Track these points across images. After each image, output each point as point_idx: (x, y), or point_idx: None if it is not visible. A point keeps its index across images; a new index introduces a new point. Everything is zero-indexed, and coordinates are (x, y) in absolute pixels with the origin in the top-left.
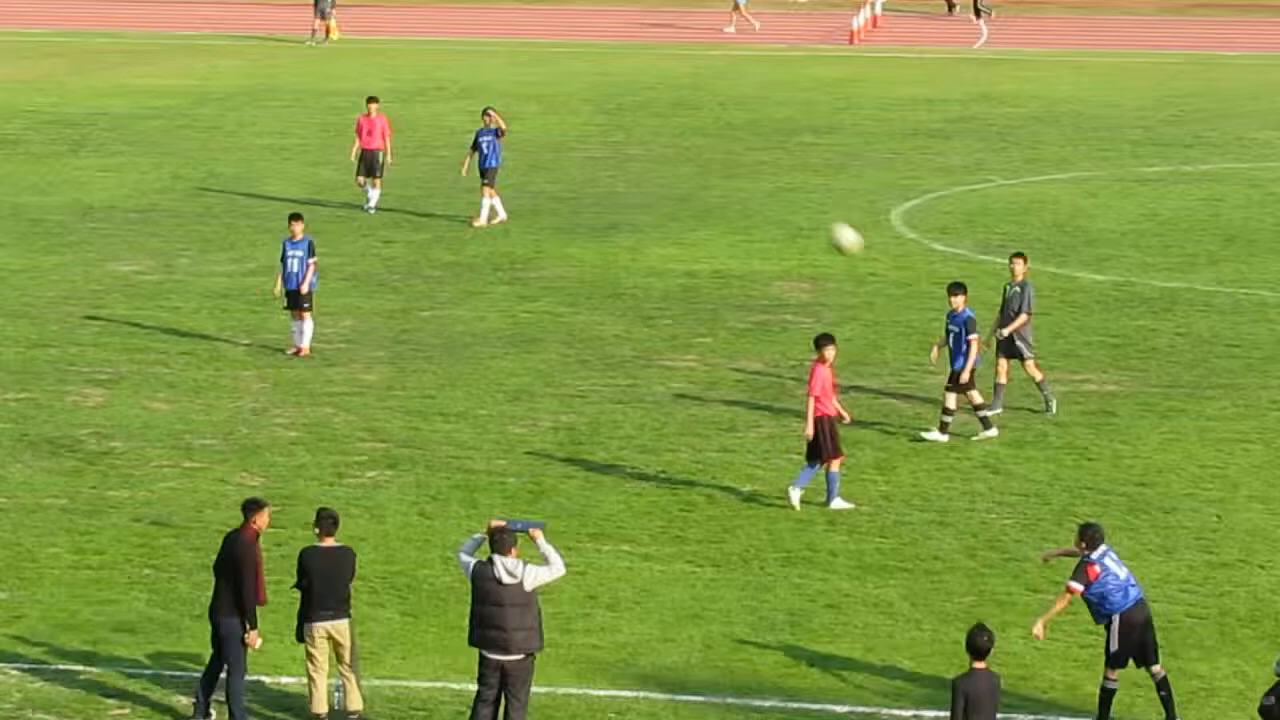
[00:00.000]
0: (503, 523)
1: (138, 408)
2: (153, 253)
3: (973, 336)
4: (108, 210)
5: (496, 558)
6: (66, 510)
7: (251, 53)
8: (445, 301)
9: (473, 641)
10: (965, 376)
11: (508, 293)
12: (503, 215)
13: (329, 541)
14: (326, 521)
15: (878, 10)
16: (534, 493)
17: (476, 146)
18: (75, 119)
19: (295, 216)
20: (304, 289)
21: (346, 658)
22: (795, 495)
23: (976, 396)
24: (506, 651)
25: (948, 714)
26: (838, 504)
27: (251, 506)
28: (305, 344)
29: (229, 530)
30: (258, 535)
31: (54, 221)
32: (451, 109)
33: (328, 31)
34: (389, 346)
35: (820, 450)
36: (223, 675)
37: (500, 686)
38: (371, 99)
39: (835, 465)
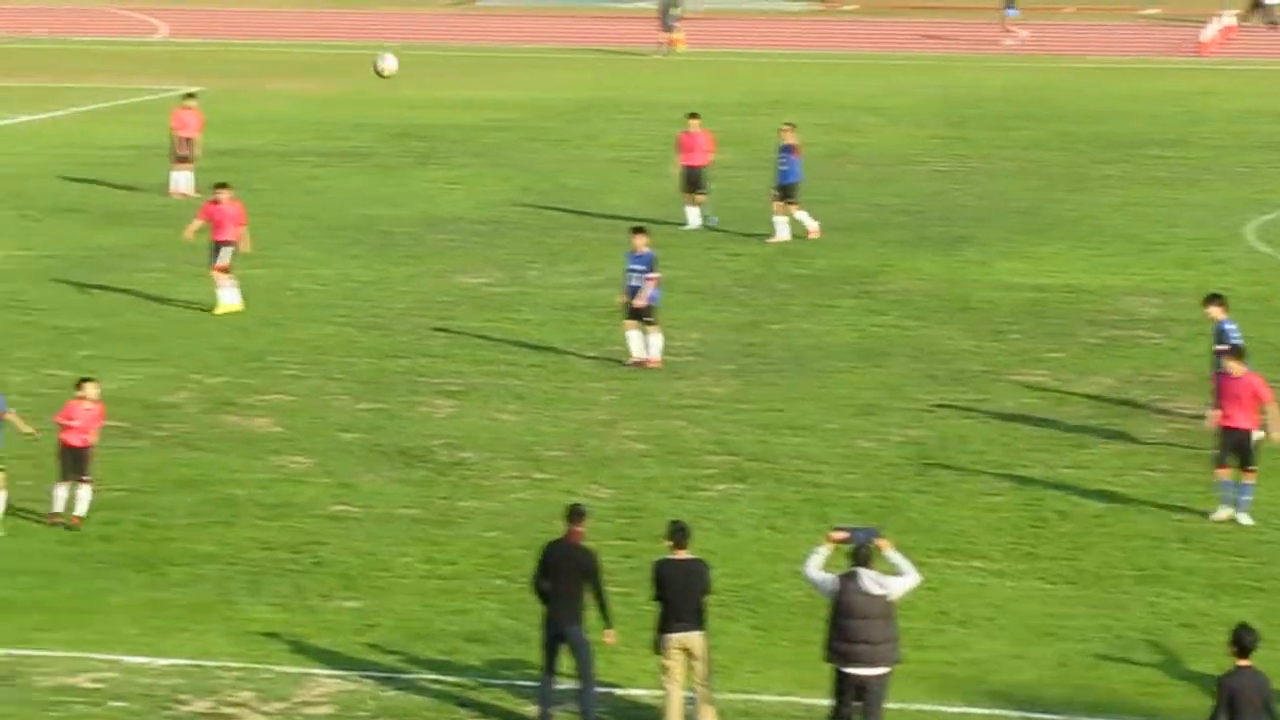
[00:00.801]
0: (844, 533)
1: (487, 419)
2: (501, 264)
3: (1222, 347)
4: (456, 222)
5: (861, 570)
6: (418, 520)
7: (598, 66)
8: (793, 314)
9: (830, 657)
10: None
11: (855, 306)
12: (784, 235)
13: (682, 554)
14: (679, 534)
15: (1230, 21)
16: (884, 507)
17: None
18: (424, 131)
19: (637, 230)
20: (639, 303)
21: (700, 670)
22: (1240, 516)
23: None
24: (871, 665)
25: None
26: (1224, 513)
27: (580, 513)
28: (655, 355)
29: (551, 540)
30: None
31: (404, 233)
32: (797, 122)
33: (673, 44)
34: (737, 359)
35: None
36: (557, 686)
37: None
38: (693, 115)
39: (1223, 474)
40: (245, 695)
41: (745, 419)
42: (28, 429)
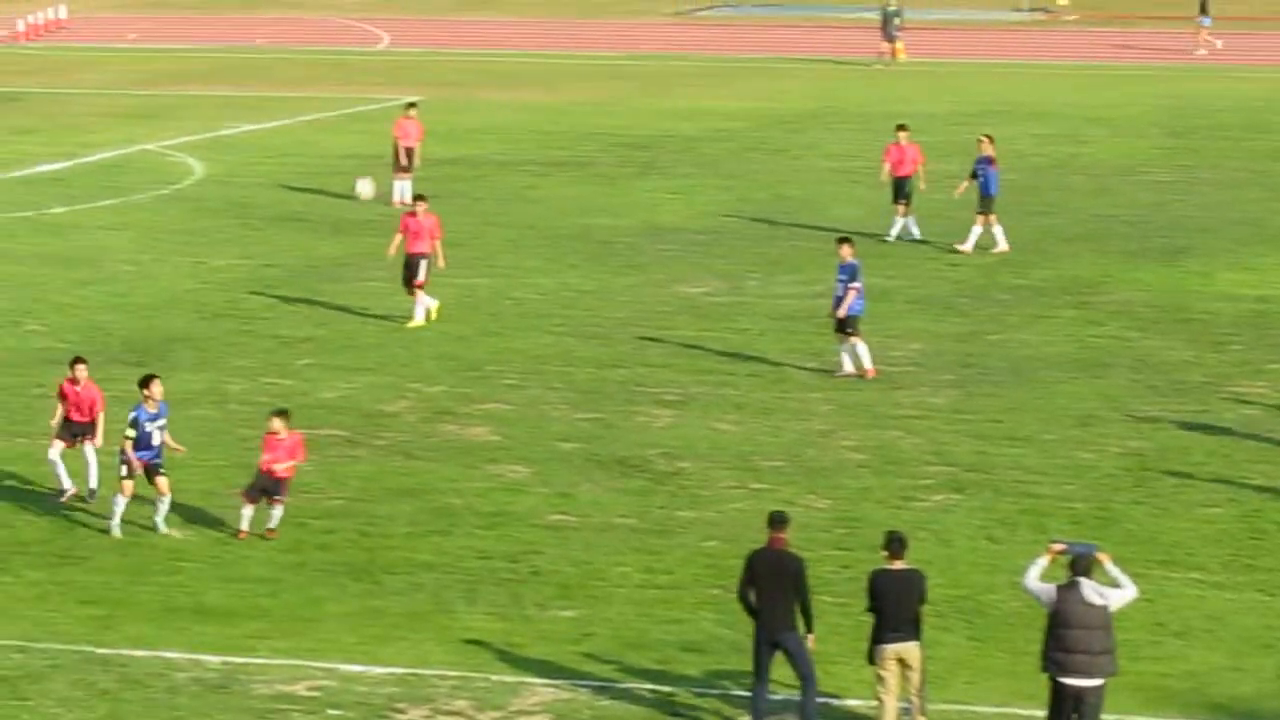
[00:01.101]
0: (1062, 545)
1: (705, 429)
2: (720, 274)
3: None
4: (676, 232)
5: (1083, 580)
6: (635, 530)
7: (819, 75)
8: (1013, 325)
9: (1048, 668)
10: None
11: (1075, 317)
12: (1003, 246)
13: (898, 564)
14: (896, 544)
15: None
16: (1101, 519)
17: (974, 173)
18: (645, 141)
19: (843, 240)
20: (840, 313)
21: (915, 681)
22: None
23: None
24: (1089, 675)
25: None
26: None
27: (783, 519)
28: (868, 365)
29: (756, 549)
30: None
31: (623, 243)
32: (1019, 132)
33: (894, 54)
34: (956, 370)
35: None
36: (771, 696)
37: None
38: (901, 126)
39: None
40: (461, 704)
41: (963, 429)
42: (178, 447)
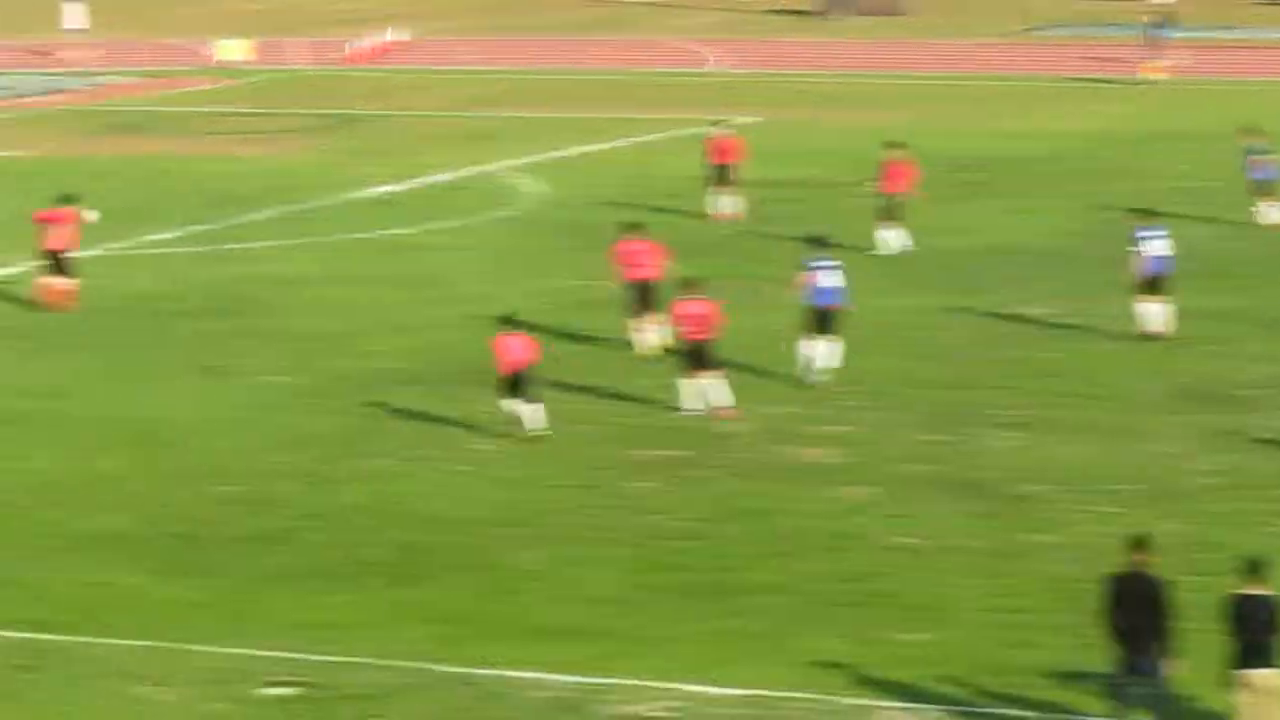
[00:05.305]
0: None
1: (1053, 451)
2: (1064, 295)
3: None
4: (1016, 253)
5: None
6: (983, 553)
7: (1159, 95)
8: None
9: None
10: None
11: None
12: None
13: (1258, 589)
14: (1255, 568)
15: None
16: None
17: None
18: (981, 162)
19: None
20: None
21: (1271, 708)
22: None
23: None
24: None
25: None
26: None
27: (1145, 542)
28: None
29: (1117, 572)
30: None
31: (966, 264)
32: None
33: (1140, 69)
34: None
35: None
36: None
37: None
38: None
39: None
40: None
41: None
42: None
